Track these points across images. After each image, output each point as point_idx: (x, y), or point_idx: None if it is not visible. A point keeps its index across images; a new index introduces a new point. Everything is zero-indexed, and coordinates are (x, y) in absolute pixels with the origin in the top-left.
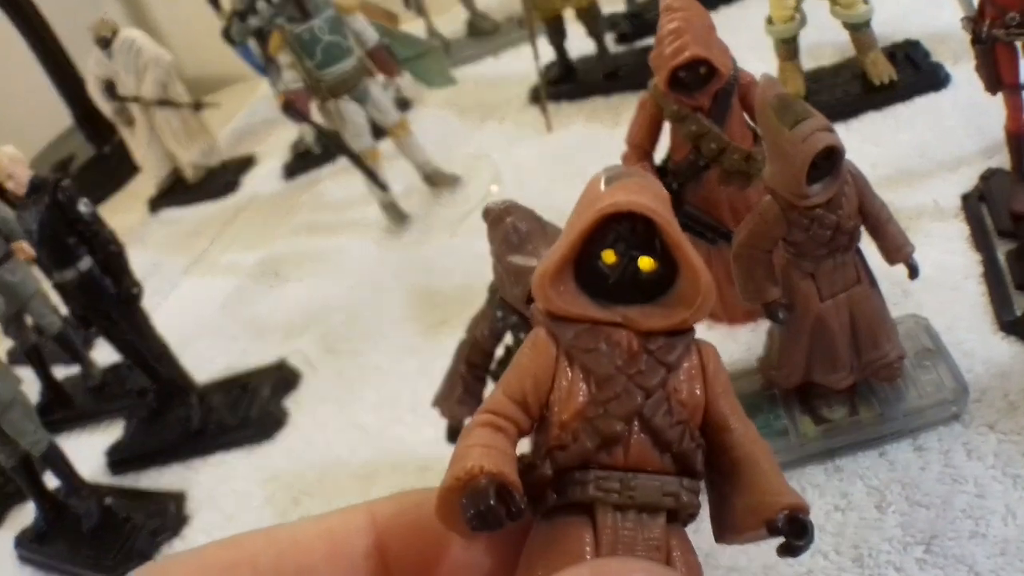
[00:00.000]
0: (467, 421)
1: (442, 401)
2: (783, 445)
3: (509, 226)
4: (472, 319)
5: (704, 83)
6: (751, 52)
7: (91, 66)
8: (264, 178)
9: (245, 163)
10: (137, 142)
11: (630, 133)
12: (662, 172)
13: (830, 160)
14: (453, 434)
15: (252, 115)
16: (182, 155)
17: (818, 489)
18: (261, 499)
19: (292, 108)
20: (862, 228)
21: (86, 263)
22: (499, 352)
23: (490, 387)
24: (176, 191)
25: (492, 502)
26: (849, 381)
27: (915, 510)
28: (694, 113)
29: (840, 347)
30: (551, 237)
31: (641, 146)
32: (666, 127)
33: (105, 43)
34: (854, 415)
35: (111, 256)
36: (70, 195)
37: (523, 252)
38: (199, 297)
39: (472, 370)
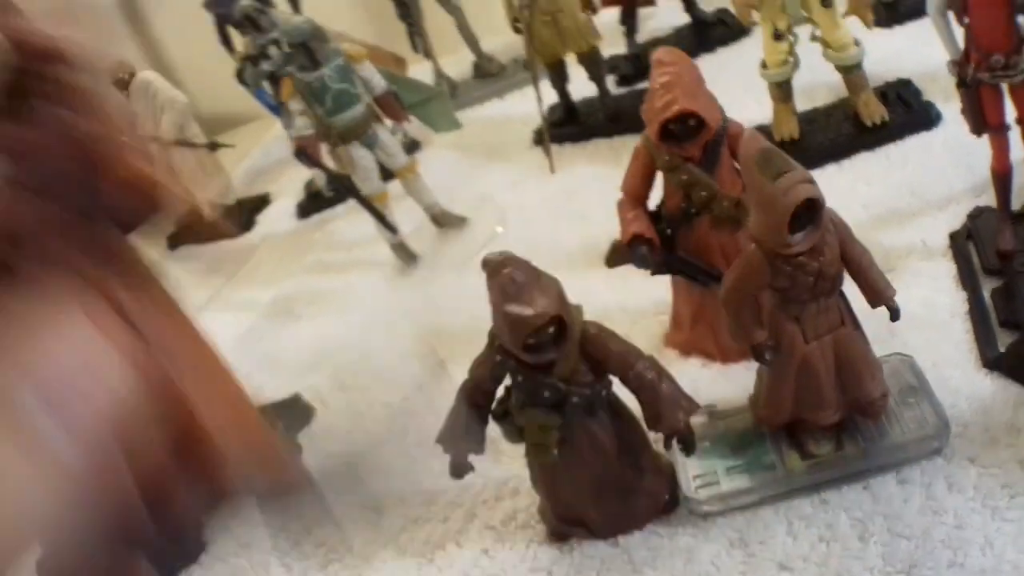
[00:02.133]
0: (470, 458)
1: (445, 438)
2: (771, 479)
3: (506, 277)
4: (474, 361)
5: (694, 134)
6: (747, 93)
7: None
8: (278, 217)
9: (260, 202)
10: None
11: (625, 181)
12: (656, 218)
13: (811, 211)
14: (456, 469)
15: (266, 155)
16: (199, 194)
17: (804, 521)
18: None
19: (304, 154)
20: (844, 273)
21: None
22: (499, 392)
23: (491, 426)
24: (193, 229)
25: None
26: (835, 418)
27: (896, 541)
28: (685, 163)
29: (825, 386)
30: (545, 286)
31: (635, 193)
32: (660, 175)
33: (123, 85)
34: (839, 450)
35: None
36: None
37: (519, 301)
38: (215, 333)
39: (474, 409)
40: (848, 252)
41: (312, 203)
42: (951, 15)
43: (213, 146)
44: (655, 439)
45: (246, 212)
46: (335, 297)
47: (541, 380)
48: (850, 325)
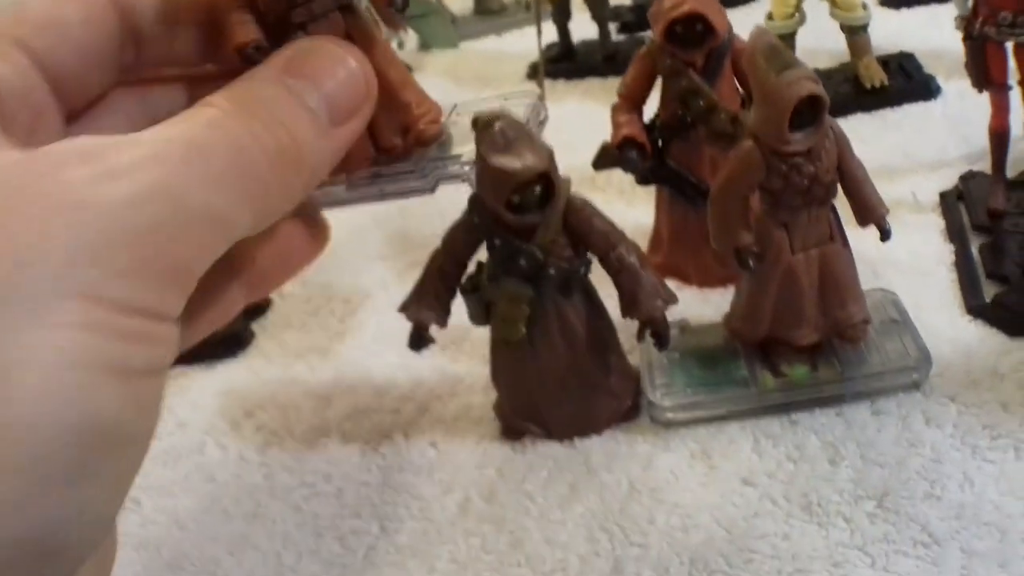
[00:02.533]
0: (432, 327)
1: (410, 305)
2: (740, 395)
3: (497, 131)
4: (448, 228)
5: (700, 40)
6: None
7: None
8: None
9: None
10: None
11: (622, 83)
12: (650, 128)
13: (813, 109)
14: (416, 339)
15: None
16: None
17: (772, 439)
18: (214, 409)
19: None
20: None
21: None
22: (470, 268)
23: (459, 299)
24: None
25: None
26: (813, 338)
27: (869, 467)
28: (686, 69)
29: (807, 302)
30: (537, 147)
31: (632, 96)
32: (658, 85)
33: None
34: (815, 372)
35: None
36: None
37: (508, 154)
38: None
39: (443, 278)
40: (845, 164)
41: None
42: None
43: None
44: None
45: None
46: None
47: (519, 246)
48: (839, 241)
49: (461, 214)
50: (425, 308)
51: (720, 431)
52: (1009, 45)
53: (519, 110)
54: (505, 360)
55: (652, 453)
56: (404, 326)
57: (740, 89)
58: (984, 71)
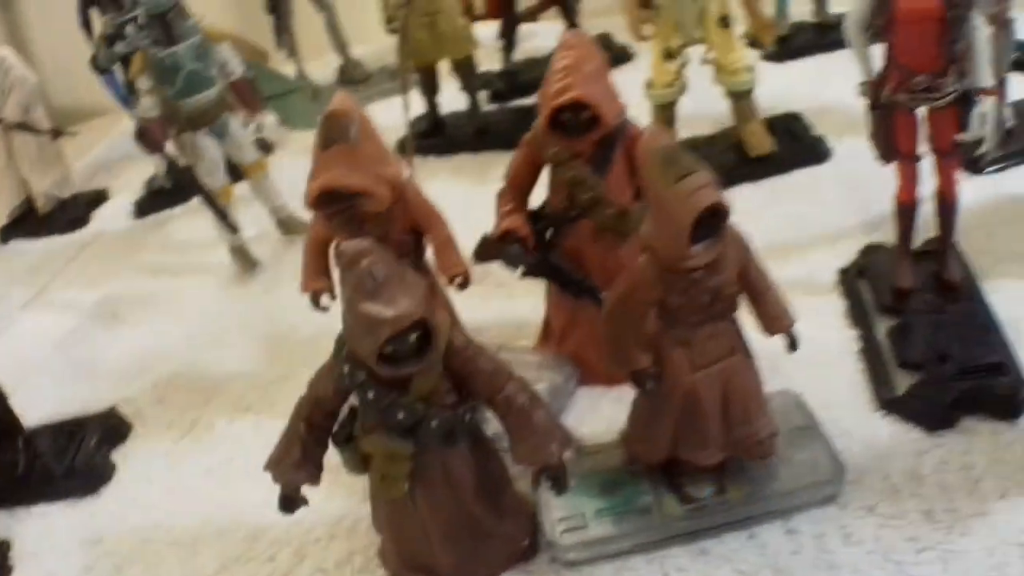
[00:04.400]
0: (303, 489)
1: (275, 465)
2: (645, 524)
3: (364, 270)
4: (315, 374)
5: (586, 128)
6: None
7: None
8: (114, 215)
9: (97, 198)
10: None
11: (508, 169)
12: (536, 217)
13: (714, 220)
14: (287, 503)
15: (111, 150)
16: (36, 183)
17: (681, 573)
18: (82, 565)
19: (146, 137)
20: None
21: None
22: (343, 413)
23: (331, 452)
24: (27, 221)
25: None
26: (718, 458)
27: None
28: (574, 159)
29: (711, 422)
30: (409, 285)
31: (517, 184)
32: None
33: None
34: (722, 495)
35: None
36: None
37: (378, 300)
38: (35, 335)
39: (312, 431)
40: (748, 272)
41: (151, 202)
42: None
43: (56, 133)
44: (518, 474)
45: (82, 207)
46: (164, 302)
47: (395, 399)
48: (742, 354)
49: (327, 360)
50: (293, 467)
51: (625, 566)
52: (921, 112)
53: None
54: (387, 512)
55: None
56: None
57: (634, 178)
58: (892, 143)
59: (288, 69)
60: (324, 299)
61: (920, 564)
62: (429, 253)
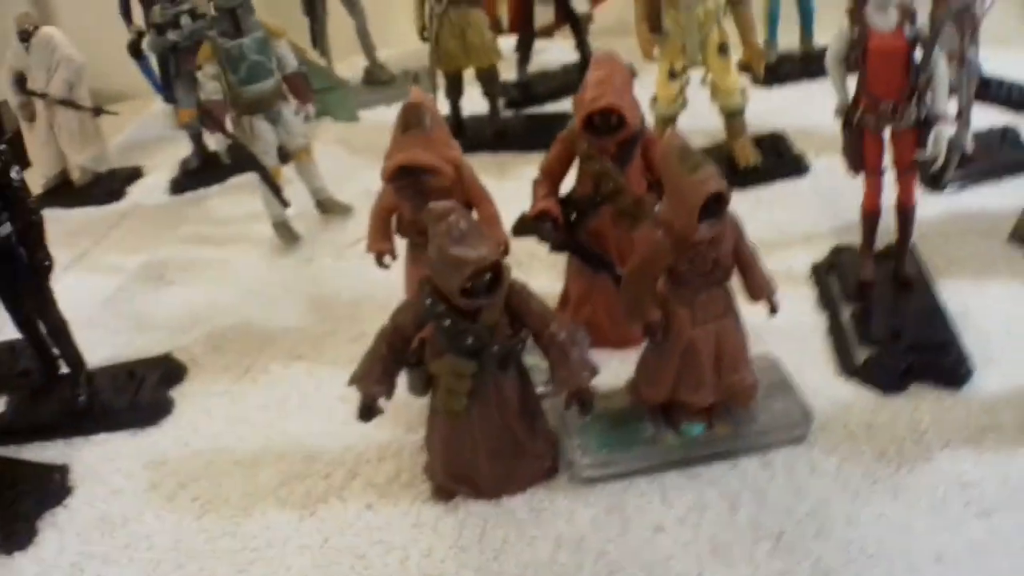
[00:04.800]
0: (381, 401)
1: (359, 379)
2: (647, 452)
3: (452, 222)
4: (397, 307)
5: (614, 130)
6: None
7: (8, 56)
8: (150, 190)
9: (133, 174)
10: (34, 138)
11: (544, 161)
12: (565, 202)
13: (718, 205)
14: (366, 412)
15: (143, 130)
16: (73, 157)
17: (678, 491)
18: (147, 480)
19: (210, 117)
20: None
21: (6, 229)
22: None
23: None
24: (61, 192)
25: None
26: (710, 400)
27: (764, 512)
28: (600, 155)
29: (706, 369)
30: (485, 237)
31: (551, 174)
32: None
33: (25, 36)
34: (711, 430)
35: (32, 225)
36: (5, 160)
37: (464, 245)
38: (81, 293)
39: (392, 353)
40: (740, 248)
41: (187, 180)
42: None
43: (98, 111)
44: (549, 406)
45: (118, 182)
46: (210, 267)
47: (467, 326)
48: (733, 316)
49: (409, 298)
50: (374, 383)
51: (631, 485)
52: (886, 133)
53: None
54: (442, 427)
55: (573, 508)
56: (326, 395)
57: (650, 173)
58: (860, 157)
59: None
60: (387, 259)
61: (873, 493)
62: None
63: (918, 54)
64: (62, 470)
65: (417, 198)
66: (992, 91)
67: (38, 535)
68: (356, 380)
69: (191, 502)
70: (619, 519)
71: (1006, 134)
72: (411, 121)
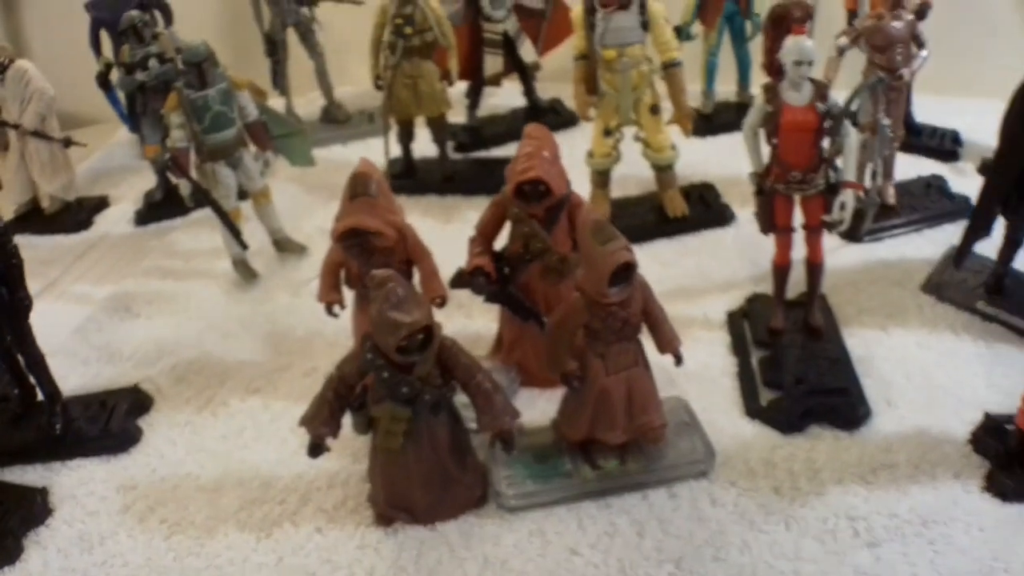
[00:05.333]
0: (328, 441)
1: (308, 421)
2: (566, 484)
3: (391, 289)
4: (343, 358)
5: (541, 198)
6: (569, 176)
7: None
8: (116, 221)
9: (100, 204)
10: (6, 166)
11: (480, 221)
12: (499, 258)
13: (627, 272)
14: (314, 449)
15: (109, 158)
16: (43, 186)
17: (592, 519)
18: (120, 503)
19: (176, 163)
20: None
21: None
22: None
23: (347, 417)
24: (32, 219)
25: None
26: (622, 439)
27: (668, 538)
28: (529, 219)
29: (618, 412)
30: (420, 302)
31: (485, 233)
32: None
33: (1, 69)
34: (623, 465)
35: (12, 267)
36: None
37: (400, 310)
38: (51, 321)
39: (337, 399)
40: (649, 307)
41: (150, 212)
42: (762, 134)
43: (67, 142)
44: (478, 444)
45: (85, 212)
46: (173, 300)
47: (402, 378)
48: (642, 366)
49: (352, 350)
50: (322, 424)
51: (551, 513)
52: (796, 197)
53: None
54: (382, 462)
55: (499, 533)
56: (279, 427)
57: (574, 235)
58: (771, 219)
59: (278, 105)
60: (336, 308)
61: (768, 523)
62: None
63: (826, 129)
64: (43, 492)
65: (363, 256)
66: (923, 140)
67: (24, 552)
68: (306, 422)
69: (160, 524)
70: (540, 543)
71: (931, 183)
72: (358, 189)
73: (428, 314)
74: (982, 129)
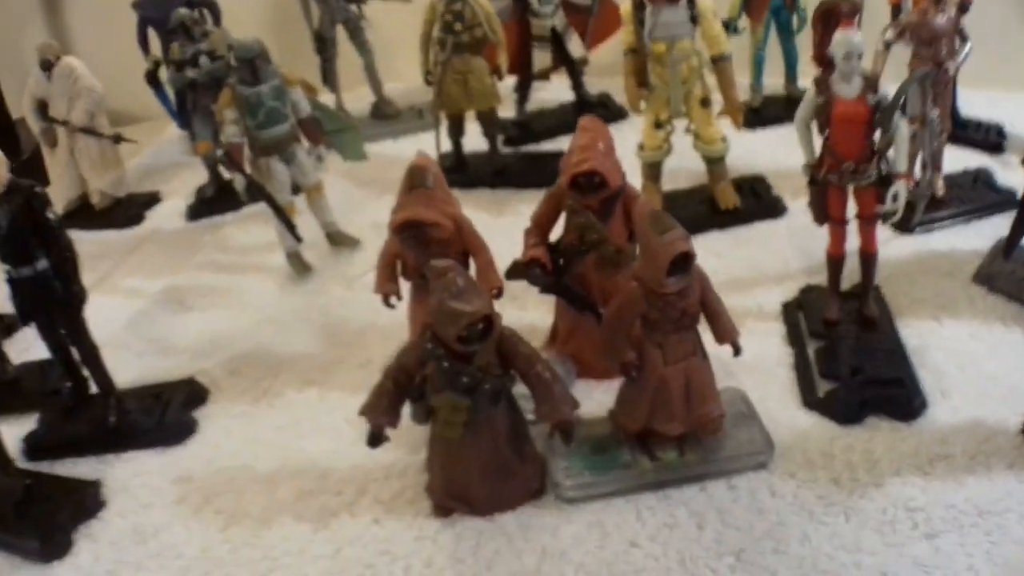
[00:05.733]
0: (387, 430)
1: (368, 411)
2: (625, 475)
3: (451, 279)
4: (401, 349)
5: (596, 189)
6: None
7: (30, 84)
8: (168, 216)
9: (151, 199)
10: (55, 162)
11: (535, 213)
12: (553, 249)
13: (685, 261)
14: (374, 439)
15: (159, 155)
16: (93, 182)
17: (650, 511)
18: (175, 495)
19: (230, 158)
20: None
21: (43, 264)
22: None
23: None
24: (81, 214)
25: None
26: (680, 430)
27: (728, 530)
28: (585, 210)
29: (676, 403)
30: (480, 291)
31: (541, 225)
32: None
33: (47, 65)
34: (682, 456)
35: (66, 261)
36: (43, 201)
37: (460, 299)
38: (104, 314)
39: (397, 388)
40: (707, 298)
41: (202, 207)
42: (814, 126)
43: (117, 138)
44: (536, 435)
45: (136, 207)
46: (227, 294)
47: (462, 367)
48: (700, 356)
49: (411, 340)
50: (381, 414)
51: (609, 505)
52: (849, 188)
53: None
54: (441, 452)
55: (558, 524)
56: (336, 418)
57: (630, 226)
58: (824, 210)
59: (328, 101)
60: (392, 299)
61: (828, 515)
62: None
63: (878, 120)
64: (95, 485)
65: (420, 247)
66: (969, 133)
67: (74, 545)
68: (366, 412)
69: (215, 515)
70: (598, 535)
71: (978, 176)
72: (415, 181)
73: (488, 303)
74: None
